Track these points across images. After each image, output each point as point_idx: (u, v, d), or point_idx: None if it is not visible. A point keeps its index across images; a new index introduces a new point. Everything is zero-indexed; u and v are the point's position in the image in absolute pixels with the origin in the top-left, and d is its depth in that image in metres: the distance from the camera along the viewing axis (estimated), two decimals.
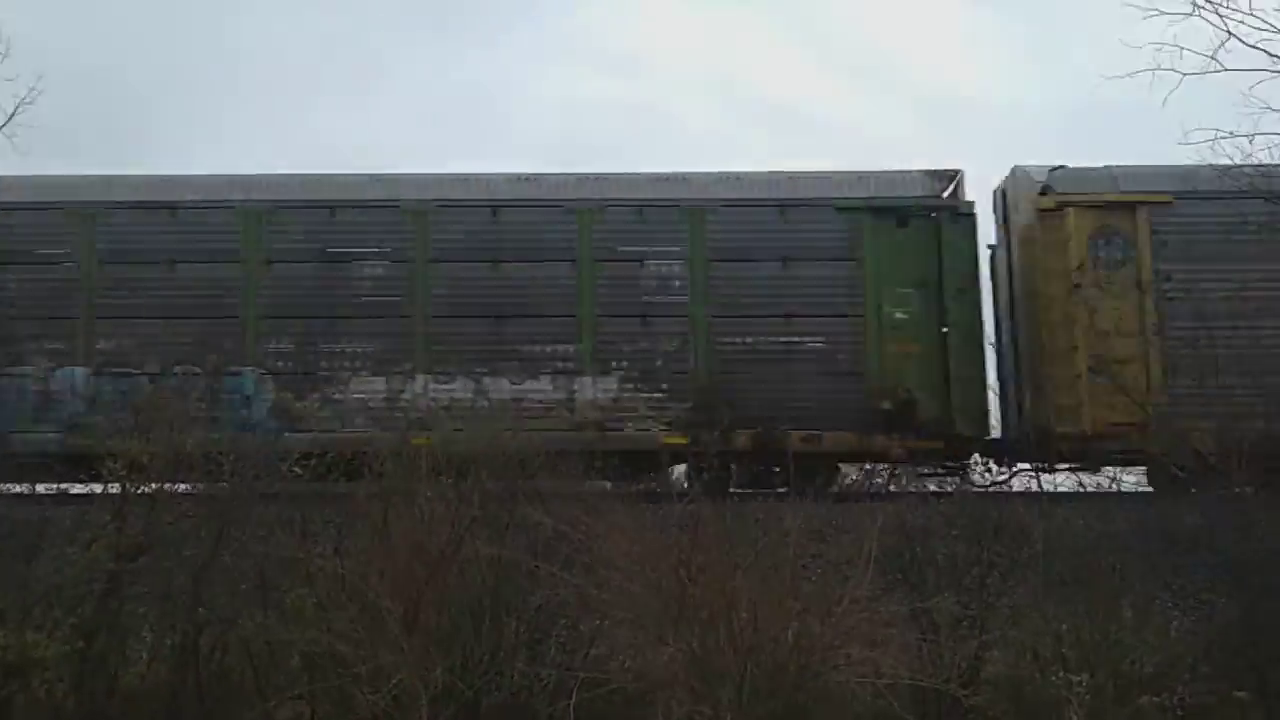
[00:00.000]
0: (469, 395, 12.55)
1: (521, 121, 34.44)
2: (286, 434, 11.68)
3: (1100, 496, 10.28)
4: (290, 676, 8.38)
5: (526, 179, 13.28)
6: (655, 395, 12.61)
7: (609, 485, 9.45)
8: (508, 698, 7.98)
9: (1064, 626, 8.00)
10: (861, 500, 9.78)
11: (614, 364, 12.74)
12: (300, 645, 8.18)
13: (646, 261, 12.86)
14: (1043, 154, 15.91)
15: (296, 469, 8.69)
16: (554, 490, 8.86)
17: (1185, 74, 9.49)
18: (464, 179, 13.31)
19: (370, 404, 12.53)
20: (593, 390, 12.64)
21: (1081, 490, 10.95)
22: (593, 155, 31.38)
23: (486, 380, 12.63)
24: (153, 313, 12.80)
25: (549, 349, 12.78)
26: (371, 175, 13.43)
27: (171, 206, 13.06)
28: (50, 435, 12.21)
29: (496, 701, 7.92)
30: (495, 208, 13.02)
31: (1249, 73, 9.30)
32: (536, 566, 8.20)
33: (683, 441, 12.32)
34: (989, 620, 8.31)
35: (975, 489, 11.25)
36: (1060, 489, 11.14)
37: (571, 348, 12.76)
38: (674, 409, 12.54)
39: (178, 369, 12.43)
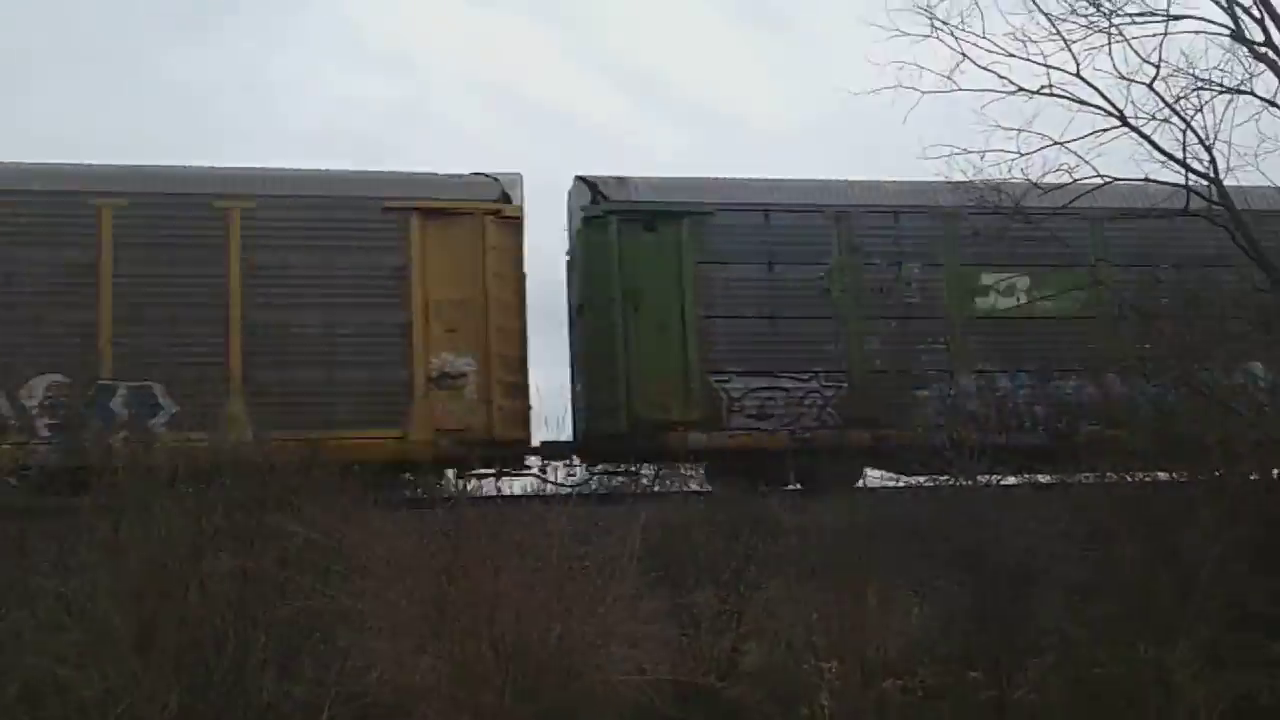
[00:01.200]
0: None
1: (291, 113, 33.00)
2: None
3: (849, 491, 10.76)
4: (6, 708, 7.62)
5: None
6: None
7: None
8: (255, 717, 7.54)
9: (814, 615, 8.30)
10: (625, 500, 9.87)
11: None
12: (19, 672, 7.46)
13: None
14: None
15: (12, 480, 7.92)
16: (307, 497, 8.45)
17: (924, 92, 10.06)
18: None
19: None
20: None
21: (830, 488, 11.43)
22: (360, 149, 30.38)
23: None
24: None
25: None
26: None
27: None
28: None
29: None
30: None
31: (981, 92, 9.92)
32: (286, 578, 7.80)
33: None
34: (746, 612, 8.56)
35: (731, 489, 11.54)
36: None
37: None
38: None
39: None
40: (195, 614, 7.52)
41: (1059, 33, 9.90)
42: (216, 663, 7.41)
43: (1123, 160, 10.00)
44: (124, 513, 7.89)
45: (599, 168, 13.14)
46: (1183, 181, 10.01)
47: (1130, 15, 9.82)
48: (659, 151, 31.57)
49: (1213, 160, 9.85)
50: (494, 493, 11.52)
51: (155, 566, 7.47)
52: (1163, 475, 9.91)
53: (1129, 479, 9.84)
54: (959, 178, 10.12)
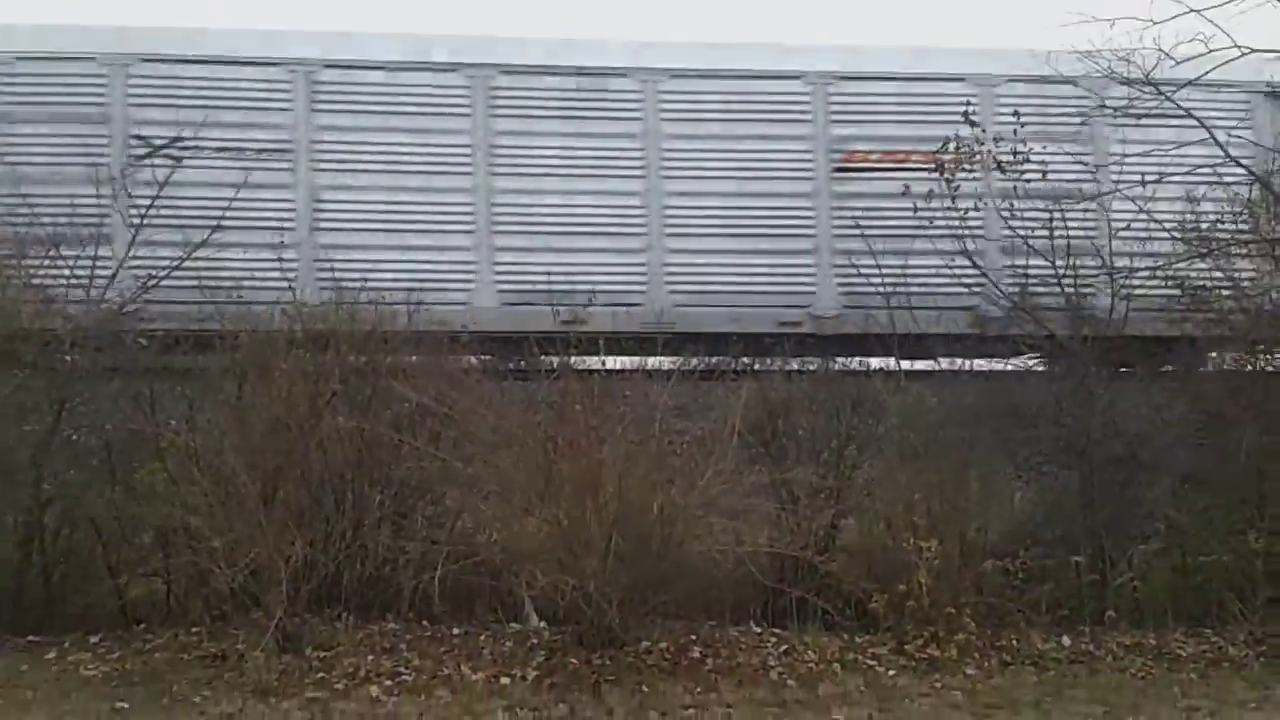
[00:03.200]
0: None
1: None
2: None
3: (952, 374, 10.61)
4: (142, 553, 8.16)
5: None
6: None
7: (474, 360, 9.31)
8: (371, 571, 7.94)
9: (916, 496, 8.31)
10: (726, 377, 9.90)
11: None
12: (152, 521, 7.95)
13: None
14: None
15: (143, 341, 8.29)
16: (419, 365, 8.70)
17: None
18: None
19: None
20: None
21: (935, 368, 11.28)
22: None
23: None
24: None
25: None
26: None
27: None
28: None
29: (359, 575, 7.87)
30: None
31: None
32: (400, 441, 8.09)
33: None
34: (845, 491, 8.60)
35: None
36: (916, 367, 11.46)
37: None
38: None
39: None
40: (315, 471, 7.88)
41: None
42: (336, 518, 7.79)
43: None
44: (246, 374, 8.24)
45: None
46: None
47: None
48: None
49: None
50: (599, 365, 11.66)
51: (277, 426, 7.80)
52: None
53: (1248, 366, 9.55)
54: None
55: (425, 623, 7.81)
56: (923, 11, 27.23)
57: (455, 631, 7.76)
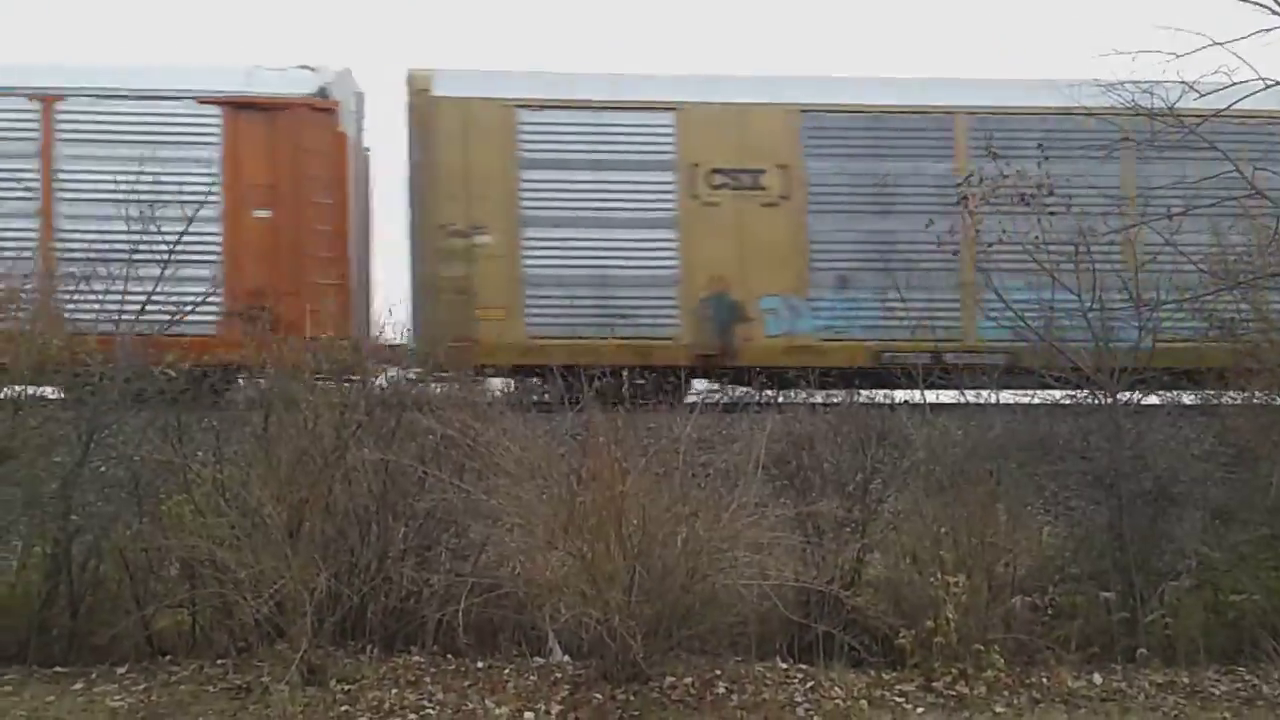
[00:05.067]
0: None
1: None
2: None
3: (978, 406, 10.55)
4: (168, 585, 8.18)
5: None
6: None
7: (498, 392, 9.35)
8: (395, 604, 7.94)
9: (942, 530, 8.24)
10: (750, 409, 9.89)
11: None
12: (179, 552, 7.98)
13: None
14: None
15: (171, 372, 8.35)
16: (444, 397, 8.73)
17: None
18: None
19: None
20: None
21: (962, 400, 11.23)
22: None
23: None
24: None
25: None
26: None
27: None
28: None
29: (384, 607, 7.87)
30: None
31: None
32: (425, 473, 8.11)
33: None
34: (871, 525, 8.55)
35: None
36: (942, 399, 11.41)
37: None
38: None
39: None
40: (340, 504, 7.90)
41: None
42: (361, 550, 7.80)
43: None
44: (273, 406, 8.30)
45: None
46: None
47: None
48: None
49: None
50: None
51: (303, 458, 7.84)
52: None
53: (1277, 399, 9.45)
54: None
55: (449, 656, 7.78)
56: (948, 42, 27.43)
57: (479, 665, 7.72)
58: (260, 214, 12.25)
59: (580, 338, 11.97)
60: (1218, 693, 7.83)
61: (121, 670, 7.63)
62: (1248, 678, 8.05)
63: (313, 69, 12.64)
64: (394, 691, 7.27)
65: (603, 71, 13.16)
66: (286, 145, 12.29)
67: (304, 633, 7.16)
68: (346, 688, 7.26)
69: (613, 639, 7.23)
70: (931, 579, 7.86)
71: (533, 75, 12.35)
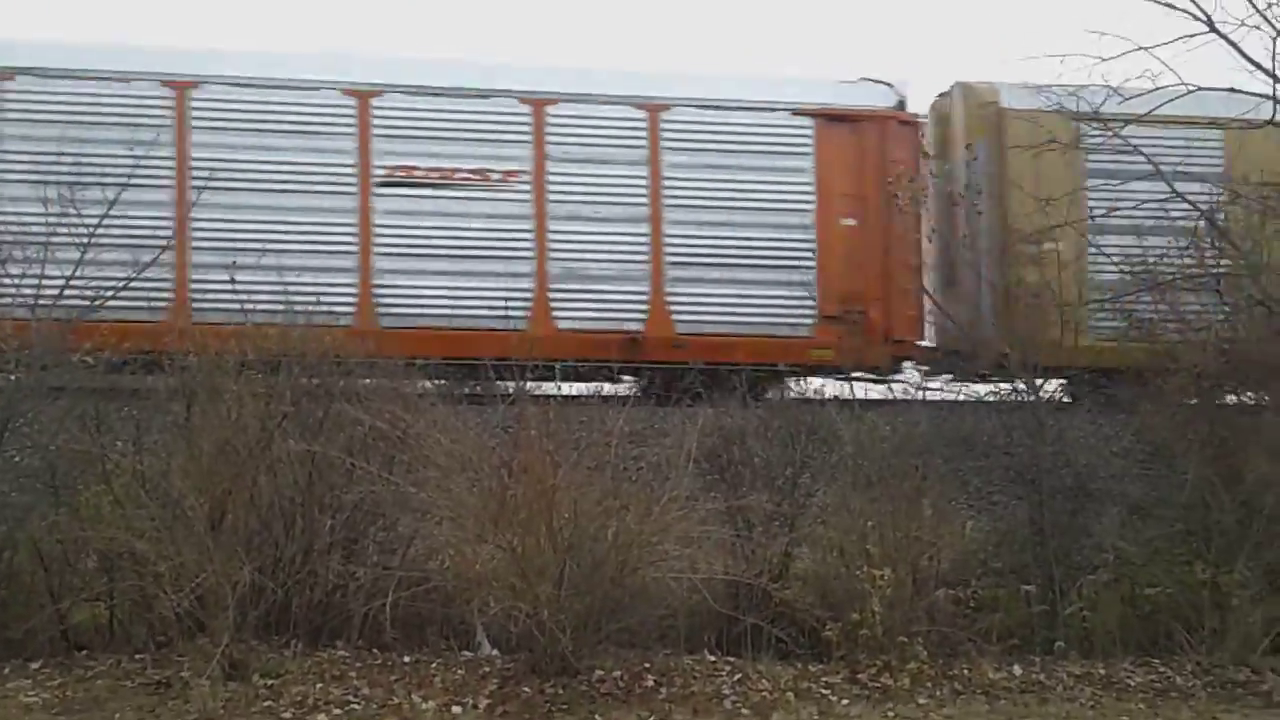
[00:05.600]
0: None
1: None
2: None
3: (905, 403, 10.70)
4: (86, 578, 7.97)
5: None
6: None
7: (430, 384, 9.23)
8: (321, 598, 7.82)
9: (869, 524, 8.33)
10: (682, 404, 9.92)
11: None
12: (96, 544, 7.78)
13: None
14: None
15: (90, 359, 8.13)
16: (373, 388, 8.62)
17: None
18: None
19: None
20: None
21: (890, 396, 11.38)
22: None
23: None
24: None
25: None
26: None
27: None
28: None
29: (309, 601, 7.76)
30: None
31: None
32: (353, 464, 8.00)
33: None
34: (800, 519, 8.63)
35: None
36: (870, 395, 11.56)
37: None
38: None
39: None
40: (265, 496, 7.76)
41: None
42: (285, 543, 7.67)
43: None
44: (195, 396, 8.12)
45: None
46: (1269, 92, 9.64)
47: None
48: None
49: None
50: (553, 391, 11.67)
51: (226, 449, 7.68)
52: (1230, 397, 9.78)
53: (1193, 399, 9.72)
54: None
55: (376, 650, 7.68)
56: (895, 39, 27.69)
57: (406, 659, 7.64)
58: (847, 222, 12.61)
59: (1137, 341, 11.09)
60: (1133, 684, 8.05)
61: (36, 665, 7.40)
62: (1162, 669, 8.27)
63: (888, 83, 12.98)
64: (318, 686, 7.16)
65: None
66: (873, 155, 12.62)
67: (226, 627, 7.02)
68: (269, 683, 7.13)
69: (542, 632, 7.22)
70: (858, 573, 7.95)
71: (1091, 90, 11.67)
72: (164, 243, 10.57)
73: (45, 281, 8.79)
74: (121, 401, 8.37)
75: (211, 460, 7.65)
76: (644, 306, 12.28)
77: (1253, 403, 9.95)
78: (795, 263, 12.27)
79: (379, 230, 11.94)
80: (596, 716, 7.07)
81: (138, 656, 7.46)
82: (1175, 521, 9.01)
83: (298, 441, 7.91)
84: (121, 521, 7.54)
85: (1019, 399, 9.48)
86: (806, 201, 12.54)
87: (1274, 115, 9.70)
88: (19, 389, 8.01)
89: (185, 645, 7.24)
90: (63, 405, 8.15)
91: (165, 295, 11.18)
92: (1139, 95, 9.73)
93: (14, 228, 9.49)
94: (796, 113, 12.64)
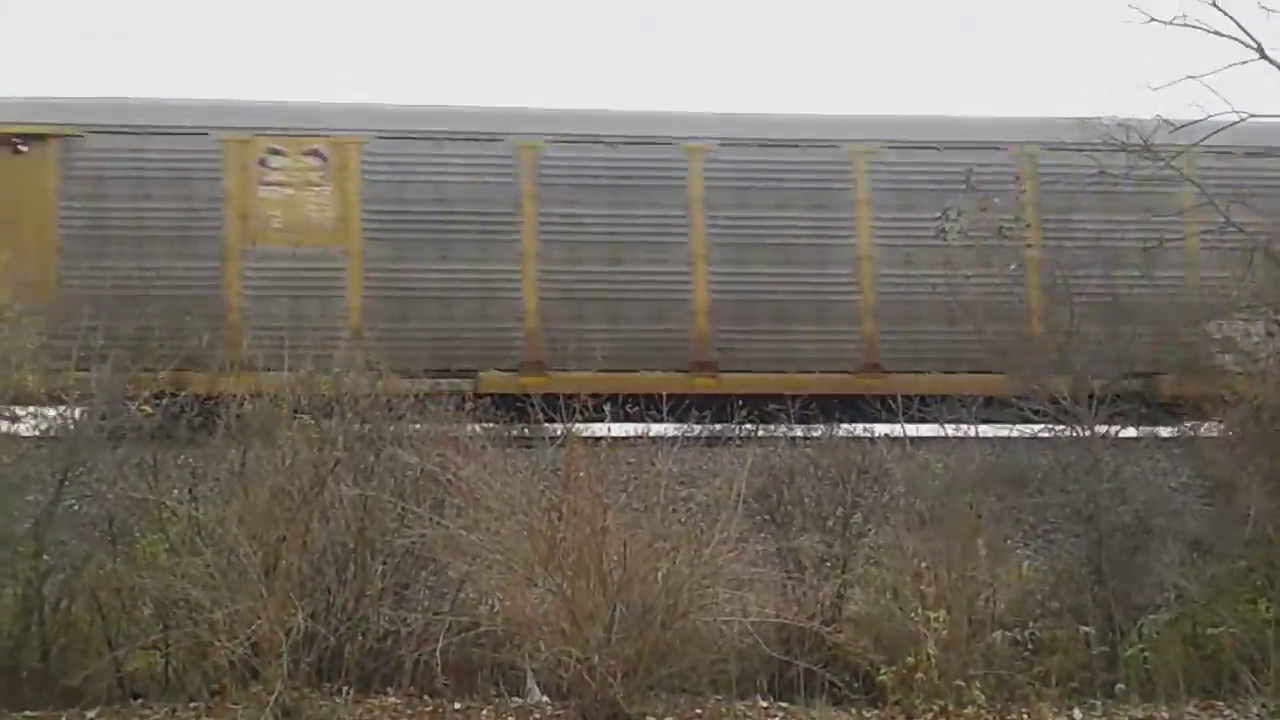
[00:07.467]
0: None
1: None
2: None
3: (958, 440, 10.56)
4: (142, 625, 8.07)
5: None
6: None
7: (479, 428, 9.27)
8: (372, 644, 7.85)
9: (922, 565, 8.22)
10: (730, 444, 9.88)
11: None
12: (152, 592, 7.88)
13: None
14: None
15: (147, 408, 8.27)
16: (425, 432, 8.67)
17: None
18: None
19: None
20: None
21: (941, 433, 11.24)
22: None
23: None
24: None
25: None
26: None
27: None
28: None
29: (360, 647, 7.78)
30: None
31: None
32: (404, 509, 8.04)
33: None
34: (851, 559, 8.53)
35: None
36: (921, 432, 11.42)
37: None
38: None
39: None
40: (318, 541, 7.82)
41: None
42: (338, 589, 7.72)
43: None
44: (250, 442, 8.22)
45: None
46: None
47: None
48: None
49: None
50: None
51: (280, 495, 7.76)
52: None
53: (1255, 431, 9.50)
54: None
55: (426, 697, 7.68)
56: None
57: (457, 706, 7.64)
58: None
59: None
60: None
61: (92, 714, 7.51)
62: (1226, 712, 8.05)
63: None
64: None
65: None
66: None
67: (279, 674, 7.06)
68: None
69: (592, 678, 7.17)
70: (912, 614, 7.85)
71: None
72: None
73: None
74: (178, 449, 8.49)
75: (266, 505, 7.73)
76: None
77: None
78: None
79: None
80: None
81: (192, 704, 7.53)
82: (1238, 558, 8.79)
83: (350, 486, 7.97)
84: (177, 569, 7.63)
85: (1074, 434, 9.32)
86: None
87: None
88: (79, 437, 8.15)
89: (239, 693, 7.28)
90: (121, 453, 8.28)
91: None
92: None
93: None
94: None
